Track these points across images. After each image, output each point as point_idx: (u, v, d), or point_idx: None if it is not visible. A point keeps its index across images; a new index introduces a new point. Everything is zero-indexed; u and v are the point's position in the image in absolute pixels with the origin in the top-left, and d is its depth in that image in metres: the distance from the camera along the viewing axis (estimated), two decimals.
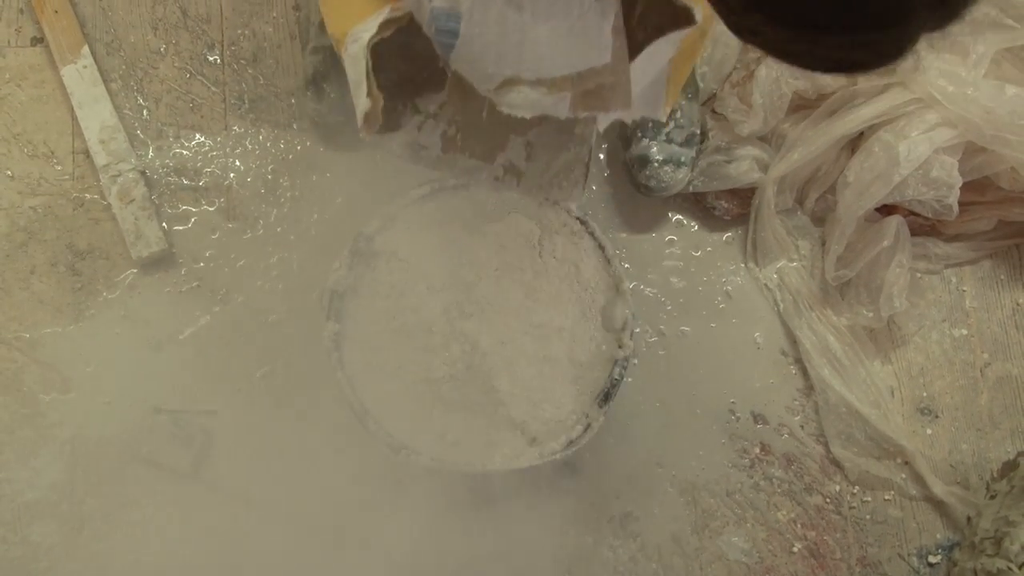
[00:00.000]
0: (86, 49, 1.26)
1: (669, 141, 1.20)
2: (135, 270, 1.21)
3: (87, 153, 1.22)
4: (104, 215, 1.22)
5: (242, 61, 1.30)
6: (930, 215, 1.21)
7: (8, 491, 1.13)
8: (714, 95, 1.25)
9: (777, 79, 1.17)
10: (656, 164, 1.19)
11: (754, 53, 1.22)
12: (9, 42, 1.28)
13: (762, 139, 1.24)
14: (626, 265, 1.04)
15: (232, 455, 1.16)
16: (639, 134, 1.21)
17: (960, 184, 1.18)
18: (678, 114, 1.21)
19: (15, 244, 1.21)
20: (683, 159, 1.20)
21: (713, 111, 1.25)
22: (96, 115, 1.24)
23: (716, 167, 1.22)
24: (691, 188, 1.23)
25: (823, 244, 1.27)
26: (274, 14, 1.32)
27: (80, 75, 1.25)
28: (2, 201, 1.22)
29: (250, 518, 1.14)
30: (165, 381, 1.18)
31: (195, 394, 1.18)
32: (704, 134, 1.23)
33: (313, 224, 1.25)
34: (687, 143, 1.21)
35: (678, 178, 1.20)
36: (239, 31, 1.31)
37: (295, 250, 1.23)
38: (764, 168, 1.24)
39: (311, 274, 1.21)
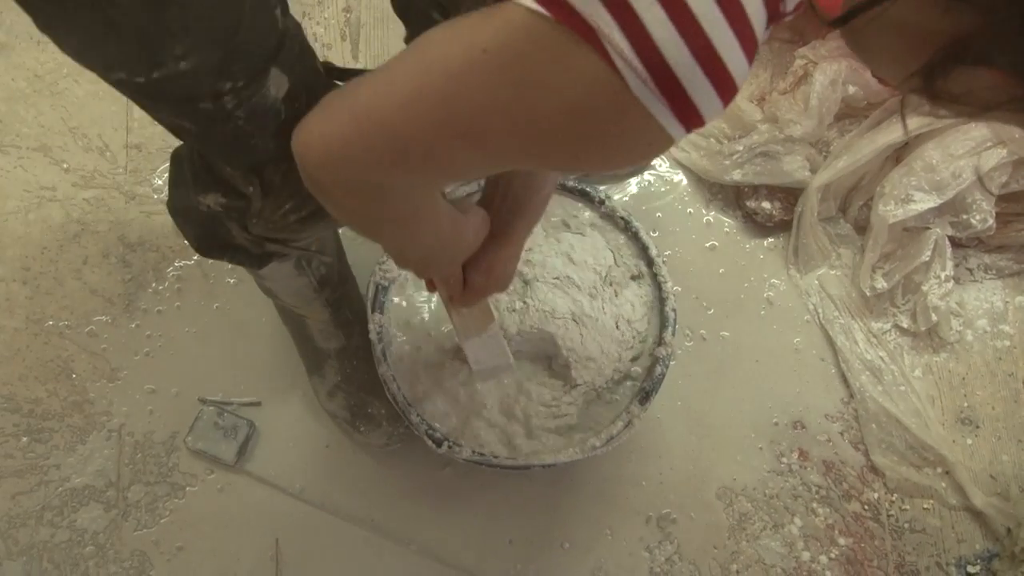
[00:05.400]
0: None
1: None
2: (184, 263, 1.23)
3: (140, 148, 1.25)
4: (155, 208, 1.24)
5: None
6: (963, 235, 1.22)
7: (56, 476, 1.15)
8: None
9: (832, 82, 1.18)
10: None
11: (800, 61, 1.22)
12: None
13: (810, 145, 1.24)
14: (668, 269, 1.04)
15: (276, 446, 1.17)
16: None
17: (993, 214, 1.18)
18: None
19: (69, 235, 1.24)
20: None
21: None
22: None
23: (767, 162, 1.23)
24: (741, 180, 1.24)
25: (864, 253, 1.27)
26: (325, 15, 1.34)
27: None
28: (58, 193, 1.25)
29: (293, 509, 1.15)
30: (210, 372, 1.20)
31: (240, 385, 1.19)
32: None
33: None
34: None
35: None
36: None
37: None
38: (814, 169, 1.24)
39: (356, 272, 1.23)
